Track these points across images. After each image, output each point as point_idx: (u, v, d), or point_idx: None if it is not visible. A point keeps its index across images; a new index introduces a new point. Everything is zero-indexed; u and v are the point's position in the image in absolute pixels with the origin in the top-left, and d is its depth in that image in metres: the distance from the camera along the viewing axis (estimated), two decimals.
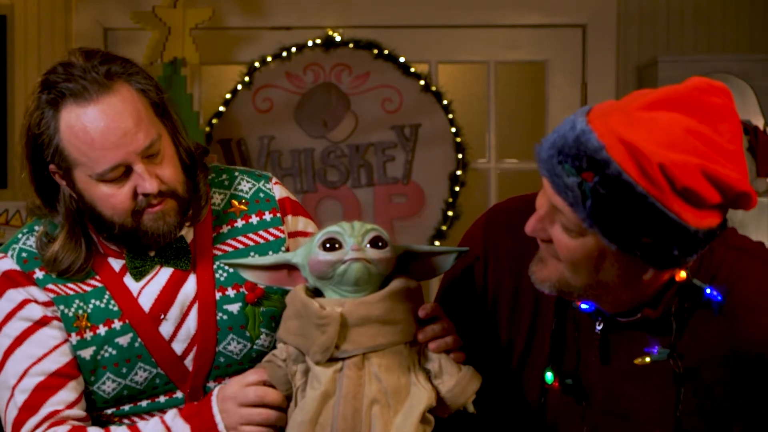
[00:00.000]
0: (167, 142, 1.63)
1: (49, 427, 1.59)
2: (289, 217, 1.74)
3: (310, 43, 4.33)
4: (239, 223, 1.71)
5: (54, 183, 1.63)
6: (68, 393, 1.61)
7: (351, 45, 4.36)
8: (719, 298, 1.36)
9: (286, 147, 4.37)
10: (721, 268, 1.40)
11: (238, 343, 1.66)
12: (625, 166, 1.20)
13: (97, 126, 1.55)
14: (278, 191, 1.76)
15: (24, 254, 1.65)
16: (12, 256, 1.66)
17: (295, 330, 1.38)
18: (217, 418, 1.51)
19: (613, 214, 1.22)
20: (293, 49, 4.34)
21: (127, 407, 1.65)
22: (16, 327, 1.63)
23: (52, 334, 1.63)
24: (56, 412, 1.59)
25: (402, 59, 4.39)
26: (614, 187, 1.20)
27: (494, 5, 4.42)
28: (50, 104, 1.57)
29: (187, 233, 1.68)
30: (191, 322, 1.65)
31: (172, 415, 1.58)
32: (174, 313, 1.64)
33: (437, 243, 4.31)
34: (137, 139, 1.56)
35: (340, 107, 4.38)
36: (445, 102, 4.39)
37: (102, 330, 1.62)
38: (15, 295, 1.64)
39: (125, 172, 1.57)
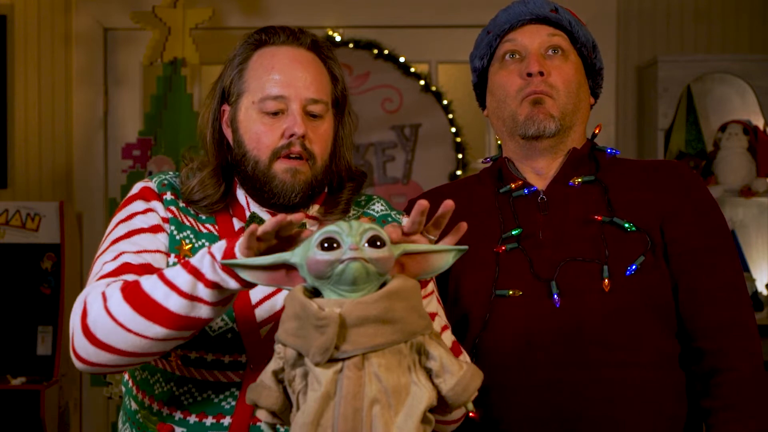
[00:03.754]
0: (329, 126, 1.77)
1: (109, 283, 1.61)
2: None
3: None
4: None
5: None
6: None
7: (351, 45, 4.36)
8: (618, 152, 2.02)
9: None
10: None
11: None
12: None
13: (282, 60, 1.74)
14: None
15: (165, 182, 1.81)
16: (154, 180, 1.81)
17: (294, 331, 1.38)
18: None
19: (576, 26, 2.00)
20: None
21: (192, 355, 1.68)
22: (133, 223, 1.73)
23: (159, 239, 1.73)
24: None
25: (402, 59, 4.39)
26: (568, 16, 2.02)
27: (494, 5, 4.38)
28: (252, 44, 1.78)
29: (311, 226, 1.76)
30: (279, 300, 1.69)
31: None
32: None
33: None
34: (308, 88, 1.73)
35: None
36: (445, 102, 4.39)
37: None
38: (141, 204, 1.77)
39: (283, 111, 1.72)
